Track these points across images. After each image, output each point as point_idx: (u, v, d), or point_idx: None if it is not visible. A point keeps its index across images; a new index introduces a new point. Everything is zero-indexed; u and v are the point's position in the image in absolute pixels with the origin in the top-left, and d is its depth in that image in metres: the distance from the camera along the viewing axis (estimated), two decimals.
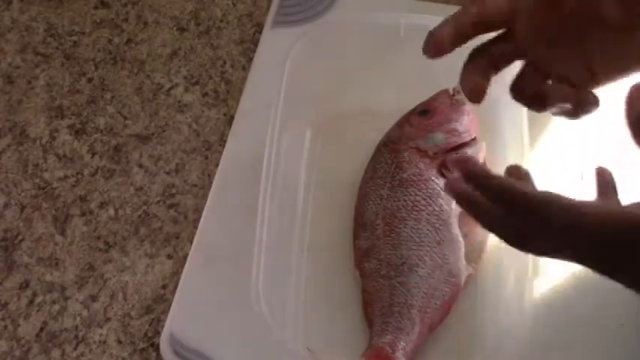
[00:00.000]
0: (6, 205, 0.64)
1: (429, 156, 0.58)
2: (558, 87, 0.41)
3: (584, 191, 0.40)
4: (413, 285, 0.54)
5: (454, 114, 0.59)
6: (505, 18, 0.40)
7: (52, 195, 0.64)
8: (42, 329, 0.58)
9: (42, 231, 0.63)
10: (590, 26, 0.38)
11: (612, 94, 0.41)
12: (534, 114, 0.43)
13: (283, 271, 0.57)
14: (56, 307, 0.59)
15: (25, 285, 0.60)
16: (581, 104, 0.41)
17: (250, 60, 0.69)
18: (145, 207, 0.63)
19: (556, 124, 0.60)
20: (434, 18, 0.61)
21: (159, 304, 0.59)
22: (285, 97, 0.59)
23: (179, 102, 0.69)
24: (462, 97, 0.60)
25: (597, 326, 0.55)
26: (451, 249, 0.55)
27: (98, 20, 0.74)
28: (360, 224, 0.58)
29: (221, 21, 0.73)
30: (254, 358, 0.55)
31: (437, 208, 0.56)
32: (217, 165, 0.64)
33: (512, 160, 0.58)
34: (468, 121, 0.59)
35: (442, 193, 0.56)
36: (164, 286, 0.59)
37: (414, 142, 0.59)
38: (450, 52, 0.42)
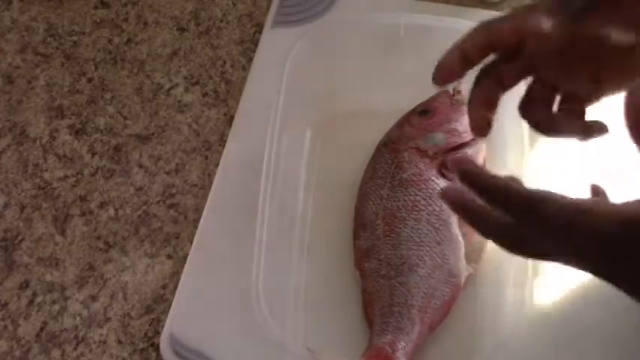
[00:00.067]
0: (6, 205, 0.64)
1: (429, 156, 0.58)
2: (568, 118, 0.41)
3: (583, 192, 0.40)
4: (413, 285, 0.54)
5: (454, 114, 0.59)
6: (512, 42, 0.40)
7: (52, 195, 0.64)
8: (42, 329, 0.58)
9: (42, 231, 0.63)
10: (599, 46, 0.38)
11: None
12: None
13: (283, 271, 0.57)
14: (56, 307, 0.59)
15: (25, 285, 0.60)
16: (588, 133, 0.41)
17: (250, 60, 0.69)
18: (145, 207, 0.63)
19: None
20: (434, 18, 0.62)
21: (159, 304, 0.59)
22: (285, 97, 0.59)
23: (179, 102, 0.69)
24: (462, 97, 0.60)
25: (597, 325, 0.55)
26: (451, 249, 0.55)
27: (98, 20, 0.74)
28: (360, 224, 0.58)
29: (221, 21, 0.73)
30: (254, 358, 0.55)
31: (437, 208, 0.56)
32: (217, 165, 0.64)
33: (512, 160, 0.59)
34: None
35: None
36: (164, 286, 0.59)
37: (414, 142, 0.59)
38: (460, 78, 0.42)
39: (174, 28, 0.73)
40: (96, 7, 0.75)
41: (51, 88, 0.70)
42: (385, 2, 0.69)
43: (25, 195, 0.65)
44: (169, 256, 0.61)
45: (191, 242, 0.60)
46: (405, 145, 0.59)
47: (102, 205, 0.64)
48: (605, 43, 0.39)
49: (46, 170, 0.66)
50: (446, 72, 0.42)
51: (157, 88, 0.70)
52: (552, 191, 0.38)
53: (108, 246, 0.62)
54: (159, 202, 0.63)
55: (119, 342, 0.57)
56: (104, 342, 0.57)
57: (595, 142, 0.60)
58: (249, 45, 0.71)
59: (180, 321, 0.56)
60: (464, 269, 0.55)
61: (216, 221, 0.61)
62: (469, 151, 0.58)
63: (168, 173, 0.65)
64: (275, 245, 0.55)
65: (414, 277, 0.54)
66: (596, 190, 0.42)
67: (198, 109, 0.68)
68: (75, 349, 0.57)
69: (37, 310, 0.59)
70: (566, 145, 0.60)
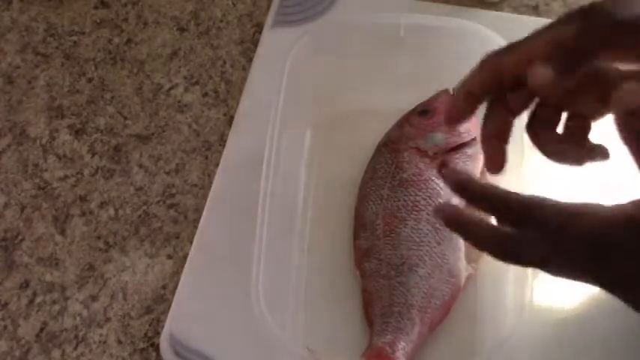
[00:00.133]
0: (6, 205, 0.64)
1: (429, 156, 0.58)
2: (572, 145, 0.42)
3: (582, 193, 0.41)
4: (413, 285, 0.54)
5: None
6: (516, 74, 0.40)
7: (52, 195, 0.64)
8: (42, 329, 0.58)
9: (42, 231, 0.63)
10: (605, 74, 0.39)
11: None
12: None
13: (283, 271, 0.57)
14: (56, 307, 0.59)
15: (25, 285, 0.60)
16: (591, 159, 0.41)
17: (250, 60, 0.69)
18: (145, 207, 0.63)
19: None
20: (434, 18, 0.62)
21: (159, 304, 0.59)
22: (285, 97, 0.59)
23: (179, 102, 0.69)
24: None
25: (597, 325, 0.55)
26: (451, 249, 0.55)
27: (98, 20, 0.74)
28: (360, 224, 0.58)
29: (221, 21, 0.73)
30: (254, 358, 0.55)
31: None
32: (217, 165, 0.64)
33: (512, 160, 0.58)
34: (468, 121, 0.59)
35: (442, 193, 0.56)
36: (164, 286, 0.59)
37: (414, 142, 0.59)
38: (472, 114, 0.43)
39: (174, 28, 0.73)
40: (96, 7, 0.75)
41: (51, 88, 0.70)
42: (385, 2, 0.69)
43: (25, 195, 0.65)
44: (169, 256, 0.61)
45: (191, 242, 0.60)
46: (405, 145, 0.59)
47: (102, 205, 0.64)
48: (611, 71, 0.39)
49: (46, 170, 0.66)
50: (456, 114, 0.43)
51: (157, 88, 0.70)
52: (547, 197, 0.38)
53: (108, 246, 0.62)
54: (159, 202, 0.63)
55: (119, 342, 0.57)
56: (104, 342, 0.57)
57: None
58: (249, 45, 0.71)
59: (180, 321, 0.56)
60: (464, 269, 0.55)
61: (216, 221, 0.61)
62: (469, 151, 0.58)
63: (168, 173, 0.65)
64: (275, 245, 0.55)
65: (414, 277, 0.54)
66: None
67: (198, 109, 0.68)
68: (75, 349, 0.57)
69: (37, 310, 0.59)
70: None
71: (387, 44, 0.62)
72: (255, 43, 0.70)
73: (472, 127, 0.59)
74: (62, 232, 0.62)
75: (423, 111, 0.60)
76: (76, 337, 0.58)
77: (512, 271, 0.54)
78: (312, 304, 0.57)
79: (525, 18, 0.69)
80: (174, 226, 0.62)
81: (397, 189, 0.57)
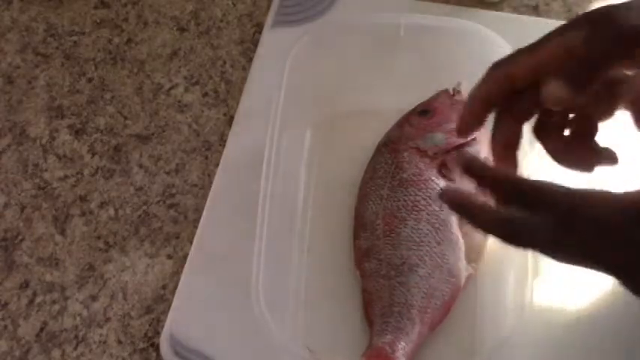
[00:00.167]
0: (6, 205, 0.64)
1: (429, 156, 0.58)
2: (582, 150, 0.42)
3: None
4: (413, 285, 0.54)
5: (454, 114, 0.59)
6: (527, 81, 0.40)
7: (52, 195, 0.64)
8: (42, 329, 0.58)
9: (42, 231, 0.63)
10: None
11: None
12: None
13: (283, 271, 0.57)
14: (56, 307, 0.59)
15: (25, 285, 0.60)
16: (598, 164, 0.42)
17: (250, 60, 0.69)
18: (145, 207, 0.63)
19: None
20: (434, 18, 0.62)
21: (159, 304, 0.59)
22: (286, 97, 0.59)
23: (179, 102, 0.69)
24: (462, 96, 0.60)
25: (597, 325, 0.55)
26: (451, 249, 0.55)
27: (98, 20, 0.74)
28: (360, 224, 0.58)
29: (221, 21, 0.73)
30: (254, 358, 0.55)
31: (437, 208, 0.56)
32: (217, 165, 0.64)
33: None
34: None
35: None
36: (164, 286, 0.59)
37: (413, 142, 0.59)
38: (483, 123, 0.43)
39: (174, 28, 0.73)
40: (96, 7, 0.75)
41: (51, 88, 0.70)
42: (385, 2, 0.69)
43: (25, 195, 0.65)
44: (169, 256, 0.61)
45: (191, 242, 0.60)
46: (405, 145, 0.59)
47: (102, 205, 0.64)
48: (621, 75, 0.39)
49: (46, 170, 0.66)
50: (468, 125, 0.43)
51: (157, 88, 0.70)
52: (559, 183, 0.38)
53: (108, 246, 0.62)
54: (159, 202, 0.63)
55: (119, 342, 0.57)
56: (104, 342, 0.57)
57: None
58: (249, 45, 0.71)
59: (180, 321, 0.56)
60: (464, 269, 0.55)
61: (216, 221, 0.61)
62: (469, 151, 0.58)
63: (168, 173, 0.65)
64: (275, 245, 0.55)
65: (414, 277, 0.54)
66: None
67: (198, 109, 0.68)
68: (75, 349, 0.57)
69: (37, 310, 0.59)
70: None
71: (387, 44, 0.62)
72: (255, 43, 0.70)
73: None
74: (62, 232, 0.63)
75: (423, 111, 0.60)
76: (76, 337, 0.58)
77: (513, 271, 0.54)
78: (312, 304, 0.57)
79: (525, 18, 0.69)
80: (174, 226, 0.62)
81: (397, 189, 0.57)
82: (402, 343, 0.52)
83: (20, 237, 0.62)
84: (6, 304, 0.60)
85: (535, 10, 0.70)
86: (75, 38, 0.73)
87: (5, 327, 0.58)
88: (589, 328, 0.55)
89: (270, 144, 0.58)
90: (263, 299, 0.52)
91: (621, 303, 0.54)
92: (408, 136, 0.59)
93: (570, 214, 0.37)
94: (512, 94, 0.41)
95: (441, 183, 0.57)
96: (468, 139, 0.58)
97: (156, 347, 0.56)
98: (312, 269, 0.59)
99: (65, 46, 0.73)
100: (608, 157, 0.42)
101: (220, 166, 0.63)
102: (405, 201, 0.56)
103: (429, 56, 0.62)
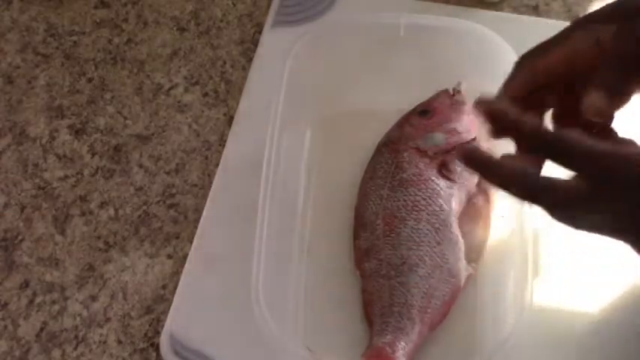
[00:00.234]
0: (6, 205, 0.64)
1: (429, 156, 0.58)
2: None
3: None
4: (413, 285, 0.54)
5: (454, 114, 0.59)
6: (554, 75, 0.40)
7: (52, 195, 0.64)
8: (42, 329, 0.58)
9: (42, 231, 0.63)
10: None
11: None
12: None
13: (283, 271, 0.57)
14: (56, 307, 0.59)
15: (25, 285, 0.60)
16: None
17: (250, 60, 0.69)
18: (145, 207, 0.63)
19: None
20: (434, 18, 0.62)
21: (159, 304, 0.59)
22: (285, 96, 0.59)
23: (179, 102, 0.69)
24: (461, 97, 0.60)
25: (597, 324, 0.55)
26: (451, 249, 0.55)
27: (98, 20, 0.74)
28: (360, 224, 0.58)
29: (221, 21, 0.73)
30: (254, 358, 0.55)
31: (437, 208, 0.56)
32: (217, 165, 0.64)
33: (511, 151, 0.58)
34: (468, 121, 0.59)
35: (442, 193, 0.56)
36: (164, 286, 0.59)
37: (414, 142, 0.59)
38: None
39: (174, 28, 0.73)
40: (96, 7, 0.75)
41: (51, 88, 0.70)
42: (385, 2, 0.69)
43: (25, 195, 0.65)
44: (169, 256, 0.61)
45: (191, 242, 0.60)
46: (405, 145, 0.59)
47: (102, 205, 0.64)
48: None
49: (46, 170, 0.66)
50: (505, 123, 0.40)
51: (157, 88, 0.70)
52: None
53: (108, 246, 0.62)
54: (159, 202, 0.63)
55: (119, 342, 0.57)
56: (104, 342, 0.57)
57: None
58: (249, 45, 0.71)
59: (180, 321, 0.56)
60: (464, 269, 0.55)
61: (216, 221, 0.61)
62: None
63: (168, 173, 0.65)
64: (275, 245, 0.55)
65: (414, 277, 0.54)
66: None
67: (198, 109, 0.68)
68: (75, 349, 0.57)
69: (37, 310, 0.59)
70: None
71: (387, 44, 0.62)
72: (255, 43, 0.70)
73: (472, 127, 0.59)
74: (62, 232, 0.63)
75: (423, 111, 0.60)
76: (76, 337, 0.58)
77: (513, 271, 0.54)
78: (312, 304, 0.57)
79: (525, 18, 0.69)
80: (174, 226, 0.62)
81: (397, 189, 0.57)
82: (402, 343, 0.52)
83: (20, 237, 0.62)
84: (6, 304, 0.60)
85: (535, 10, 0.70)
86: (75, 38, 0.73)
87: (5, 327, 0.58)
88: (589, 328, 0.55)
89: (270, 144, 0.58)
90: (263, 299, 0.52)
91: (622, 302, 0.54)
92: (408, 136, 0.59)
93: (606, 173, 0.35)
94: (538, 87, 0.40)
95: (441, 183, 0.57)
96: (468, 139, 0.58)
97: (156, 347, 0.56)
98: (312, 269, 0.59)
99: (65, 46, 0.73)
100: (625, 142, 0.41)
101: (220, 166, 0.63)
102: (405, 201, 0.56)
103: (429, 56, 0.62)
